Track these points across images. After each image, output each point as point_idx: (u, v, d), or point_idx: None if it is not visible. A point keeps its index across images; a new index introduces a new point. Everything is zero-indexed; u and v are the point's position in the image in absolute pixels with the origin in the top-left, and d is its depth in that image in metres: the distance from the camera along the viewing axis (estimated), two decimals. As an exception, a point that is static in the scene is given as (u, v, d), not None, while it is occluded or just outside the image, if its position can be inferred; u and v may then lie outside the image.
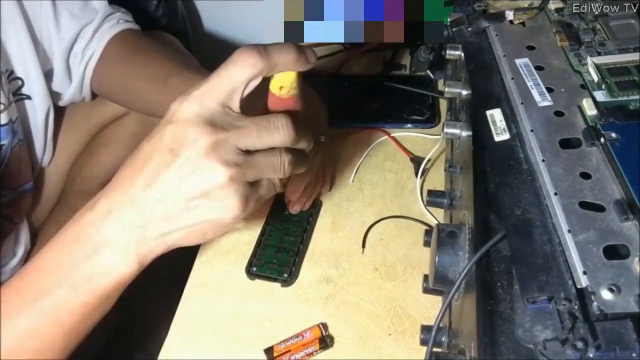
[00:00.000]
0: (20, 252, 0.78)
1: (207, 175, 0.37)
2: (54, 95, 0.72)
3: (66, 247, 0.40)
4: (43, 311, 0.40)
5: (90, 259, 0.39)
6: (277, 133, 0.39)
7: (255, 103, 0.43)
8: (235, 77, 0.38)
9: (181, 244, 0.40)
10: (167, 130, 0.38)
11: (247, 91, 0.39)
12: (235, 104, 0.38)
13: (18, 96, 0.68)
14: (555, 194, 0.36)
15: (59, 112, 0.76)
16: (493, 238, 0.36)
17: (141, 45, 0.69)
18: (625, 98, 0.42)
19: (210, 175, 0.37)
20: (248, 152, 0.38)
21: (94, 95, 0.75)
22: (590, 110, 0.41)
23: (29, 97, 0.69)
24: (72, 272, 0.39)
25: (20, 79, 0.67)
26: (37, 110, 0.71)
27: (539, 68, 0.46)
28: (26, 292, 0.40)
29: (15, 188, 0.71)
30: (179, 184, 0.37)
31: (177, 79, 0.62)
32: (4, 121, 0.63)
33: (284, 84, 0.42)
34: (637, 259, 0.32)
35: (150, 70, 0.65)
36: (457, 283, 0.37)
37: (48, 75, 0.70)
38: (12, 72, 0.66)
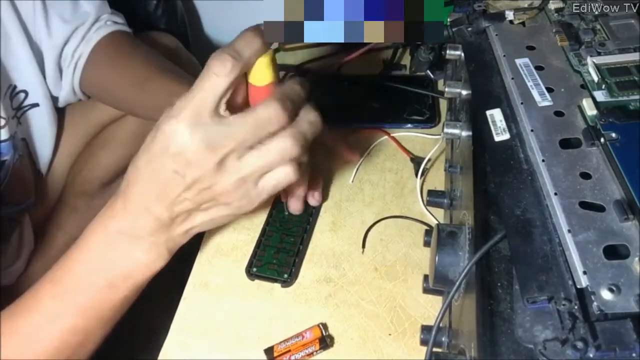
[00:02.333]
0: (25, 253, 0.78)
1: (214, 189, 0.41)
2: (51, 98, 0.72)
3: (96, 253, 0.43)
4: (84, 310, 0.43)
5: (127, 260, 0.43)
6: (269, 124, 0.40)
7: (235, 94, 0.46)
8: (218, 86, 0.39)
9: (207, 229, 0.45)
10: (168, 156, 0.40)
11: (229, 93, 0.40)
12: (223, 109, 0.40)
13: (23, 109, 0.69)
14: (555, 194, 0.36)
15: (59, 113, 0.76)
16: (493, 238, 0.36)
17: (125, 48, 0.70)
18: (625, 98, 0.42)
19: (216, 187, 0.41)
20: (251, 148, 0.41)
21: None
22: (590, 110, 0.41)
23: (36, 105, 0.70)
24: (109, 274, 0.43)
25: (24, 91, 0.68)
26: (44, 114, 0.71)
27: (539, 68, 0.46)
28: (63, 296, 0.43)
29: (17, 204, 0.71)
30: (191, 198, 0.41)
31: (152, 84, 0.63)
32: (5, 137, 0.64)
33: (260, 72, 0.42)
34: (637, 259, 0.32)
35: (129, 74, 0.67)
36: (457, 283, 0.37)
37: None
38: (14, 87, 0.66)
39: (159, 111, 0.62)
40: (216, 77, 0.39)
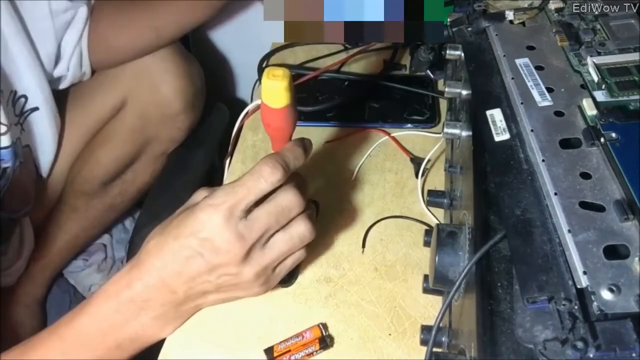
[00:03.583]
0: (25, 252, 0.78)
1: (238, 276, 0.43)
2: (55, 81, 0.72)
3: (105, 317, 0.44)
4: None
5: (134, 327, 0.44)
6: (290, 212, 0.44)
7: None
8: (260, 190, 0.42)
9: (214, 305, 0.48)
10: (197, 239, 0.42)
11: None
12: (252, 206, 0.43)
13: (24, 114, 0.69)
14: (555, 194, 0.36)
15: (59, 113, 0.76)
16: (493, 238, 0.36)
17: None
18: (625, 98, 0.42)
19: (241, 275, 0.43)
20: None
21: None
22: (590, 110, 0.41)
23: (36, 109, 0.69)
24: (118, 336, 0.44)
25: (24, 95, 0.67)
26: (44, 117, 0.71)
27: (539, 68, 0.46)
28: (73, 353, 0.44)
29: (16, 212, 0.71)
30: (213, 281, 0.43)
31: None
32: (6, 143, 0.64)
33: (276, 95, 0.42)
34: (637, 259, 0.32)
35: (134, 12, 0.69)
36: (457, 283, 0.37)
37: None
38: (15, 92, 0.66)
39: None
40: (264, 182, 0.41)
